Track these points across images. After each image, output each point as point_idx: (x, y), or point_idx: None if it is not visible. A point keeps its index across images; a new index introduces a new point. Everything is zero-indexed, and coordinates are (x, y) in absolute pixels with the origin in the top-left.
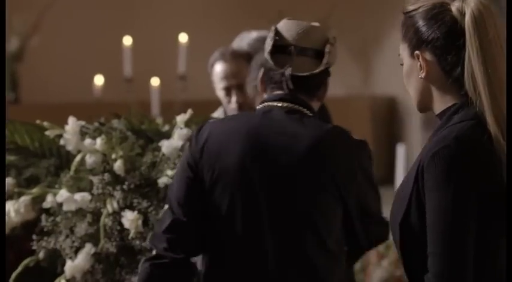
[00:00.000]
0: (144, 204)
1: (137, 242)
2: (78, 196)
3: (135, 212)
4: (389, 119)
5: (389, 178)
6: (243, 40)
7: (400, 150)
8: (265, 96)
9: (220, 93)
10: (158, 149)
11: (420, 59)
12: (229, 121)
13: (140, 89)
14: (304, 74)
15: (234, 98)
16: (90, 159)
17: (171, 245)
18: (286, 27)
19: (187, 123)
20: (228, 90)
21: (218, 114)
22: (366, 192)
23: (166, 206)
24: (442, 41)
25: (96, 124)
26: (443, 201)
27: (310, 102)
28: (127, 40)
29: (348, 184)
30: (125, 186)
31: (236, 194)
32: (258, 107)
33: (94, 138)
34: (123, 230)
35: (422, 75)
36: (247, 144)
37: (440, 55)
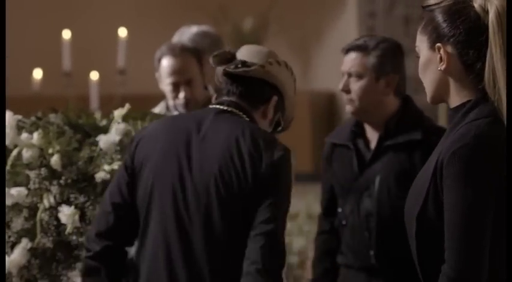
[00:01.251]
0: (81, 199)
1: (74, 237)
2: (14, 191)
3: (72, 207)
4: (328, 114)
5: None
6: (184, 35)
7: None
8: None
9: (167, 88)
10: (95, 143)
11: (441, 52)
12: (160, 122)
13: (79, 83)
14: (233, 70)
15: (181, 94)
16: (26, 154)
17: (101, 234)
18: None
19: (125, 118)
20: (175, 86)
21: (159, 109)
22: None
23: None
24: (465, 36)
25: (33, 118)
26: (462, 199)
27: (250, 111)
28: (66, 34)
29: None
30: (61, 181)
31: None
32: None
33: (31, 132)
34: (59, 225)
35: (442, 67)
36: (168, 136)
37: (462, 49)
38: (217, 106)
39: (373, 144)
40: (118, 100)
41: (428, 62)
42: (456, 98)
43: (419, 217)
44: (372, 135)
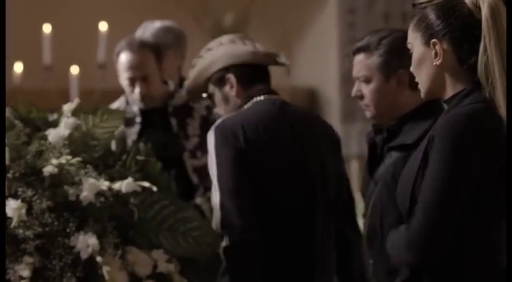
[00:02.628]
0: (29, 193)
1: (20, 231)
2: None
3: (19, 201)
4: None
5: None
6: (147, 30)
7: None
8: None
9: (124, 83)
10: (45, 137)
11: (437, 47)
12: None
13: (60, 77)
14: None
15: (137, 89)
16: None
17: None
18: None
19: (75, 113)
20: (132, 81)
21: (119, 103)
22: None
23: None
24: (460, 32)
25: None
26: (444, 168)
27: None
28: (46, 28)
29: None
30: (9, 175)
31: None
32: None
33: None
34: (6, 219)
35: (438, 62)
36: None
37: (456, 44)
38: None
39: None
40: (98, 94)
41: (423, 58)
42: (451, 89)
43: (413, 194)
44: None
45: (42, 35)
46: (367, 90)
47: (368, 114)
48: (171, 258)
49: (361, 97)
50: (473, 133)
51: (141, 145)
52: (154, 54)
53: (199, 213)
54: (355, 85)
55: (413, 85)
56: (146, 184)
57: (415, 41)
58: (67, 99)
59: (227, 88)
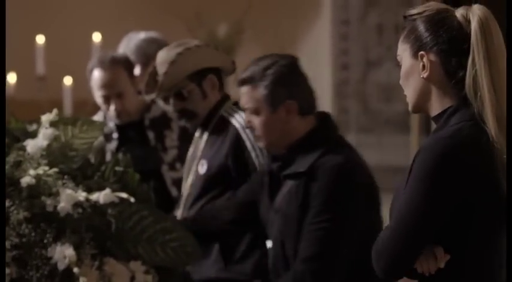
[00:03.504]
0: (6, 203)
1: None
2: None
3: None
4: None
5: None
6: (131, 41)
7: None
8: None
9: (99, 100)
10: (23, 148)
11: (424, 60)
12: None
13: (53, 87)
14: None
15: (112, 107)
16: None
17: None
18: None
19: (54, 123)
20: (106, 99)
21: (98, 117)
22: None
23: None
24: (448, 44)
25: None
26: (414, 192)
27: None
28: (40, 39)
29: None
30: None
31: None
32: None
33: None
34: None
35: (425, 75)
36: None
37: (444, 57)
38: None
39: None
40: (91, 105)
41: (410, 70)
42: (438, 105)
43: None
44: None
45: (35, 46)
46: (256, 121)
47: (260, 145)
48: (148, 269)
49: (252, 128)
50: (452, 159)
51: (120, 156)
52: (126, 70)
53: (179, 224)
54: (246, 116)
55: (303, 111)
56: (124, 195)
57: (403, 53)
58: (60, 110)
59: (208, 87)
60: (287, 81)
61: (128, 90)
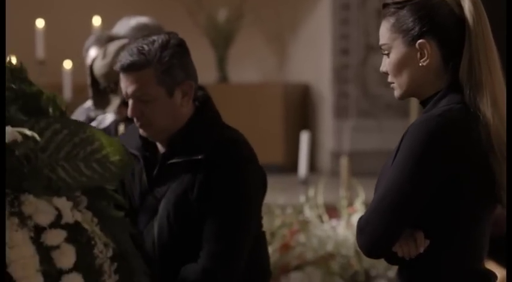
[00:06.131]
0: None
1: None
2: None
3: None
4: (301, 106)
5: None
6: (122, 27)
7: (304, 138)
8: None
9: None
10: None
11: (425, 47)
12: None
13: (53, 71)
14: None
15: None
16: None
17: None
18: None
19: None
20: None
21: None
22: None
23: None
24: (446, 31)
25: None
26: (400, 170)
27: None
28: (40, 23)
29: None
30: None
31: None
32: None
33: None
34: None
35: (425, 63)
36: None
37: (443, 44)
38: None
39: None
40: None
41: (405, 59)
42: (428, 89)
43: None
44: (159, 147)
45: (35, 30)
46: (148, 108)
47: (146, 133)
48: (77, 206)
49: (138, 117)
50: (439, 139)
51: None
52: None
53: (100, 132)
54: (131, 104)
55: (195, 94)
56: (28, 132)
57: (393, 42)
58: (60, 94)
59: None
60: (183, 61)
61: None
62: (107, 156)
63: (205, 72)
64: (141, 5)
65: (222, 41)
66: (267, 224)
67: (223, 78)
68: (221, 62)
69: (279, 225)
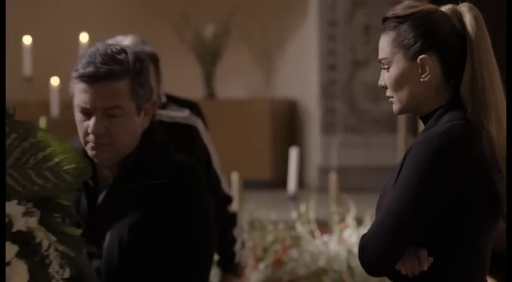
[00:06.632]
0: None
1: None
2: None
3: None
4: (288, 122)
5: (285, 181)
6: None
7: (293, 154)
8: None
9: None
10: None
11: (426, 63)
12: None
13: (40, 88)
14: None
15: None
16: None
17: None
18: None
19: None
20: None
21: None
22: None
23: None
24: (446, 46)
25: None
26: (404, 188)
27: None
28: (27, 39)
29: None
30: None
31: None
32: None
33: None
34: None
35: (427, 78)
36: None
37: (444, 60)
38: None
39: (107, 182)
40: None
41: (405, 74)
42: (428, 105)
43: None
44: (106, 171)
45: (22, 46)
46: (115, 125)
47: (103, 155)
48: (28, 210)
49: (99, 136)
50: (443, 157)
51: None
52: None
53: (53, 137)
54: (96, 120)
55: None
56: None
57: (394, 57)
58: (47, 111)
59: None
60: (150, 77)
61: None
62: (60, 164)
63: (192, 88)
64: (129, 21)
65: (209, 57)
66: (259, 240)
67: (210, 94)
68: (208, 78)
69: (272, 240)
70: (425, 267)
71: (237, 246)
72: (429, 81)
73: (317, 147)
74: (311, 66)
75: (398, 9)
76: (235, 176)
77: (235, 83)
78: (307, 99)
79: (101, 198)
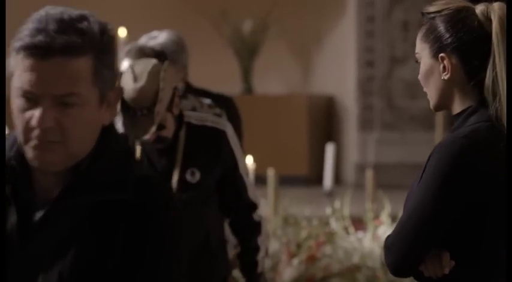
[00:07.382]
0: None
1: None
2: None
3: None
4: (326, 118)
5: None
6: (150, 39)
7: (329, 150)
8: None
9: None
10: None
11: (445, 62)
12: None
13: None
14: None
15: None
16: None
17: None
18: None
19: None
20: None
21: None
22: None
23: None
24: (469, 46)
25: None
26: (426, 191)
27: None
28: None
29: None
30: None
31: None
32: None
33: None
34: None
35: (446, 77)
36: None
37: (465, 59)
38: None
39: (48, 195)
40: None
41: (430, 71)
42: (459, 105)
43: None
44: (48, 180)
45: None
46: (69, 121)
47: (46, 158)
48: None
49: (52, 130)
50: (465, 161)
51: None
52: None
53: None
54: (49, 111)
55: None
56: None
57: (422, 52)
58: None
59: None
60: (117, 58)
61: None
62: None
63: (230, 84)
64: (168, 18)
65: (247, 52)
66: (293, 236)
67: (248, 89)
68: (246, 74)
69: (305, 236)
70: (447, 271)
71: (260, 254)
72: (450, 79)
73: (354, 143)
74: (349, 63)
75: (431, 5)
76: (271, 172)
77: (273, 78)
78: (344, 96)
79: (38, 216)
